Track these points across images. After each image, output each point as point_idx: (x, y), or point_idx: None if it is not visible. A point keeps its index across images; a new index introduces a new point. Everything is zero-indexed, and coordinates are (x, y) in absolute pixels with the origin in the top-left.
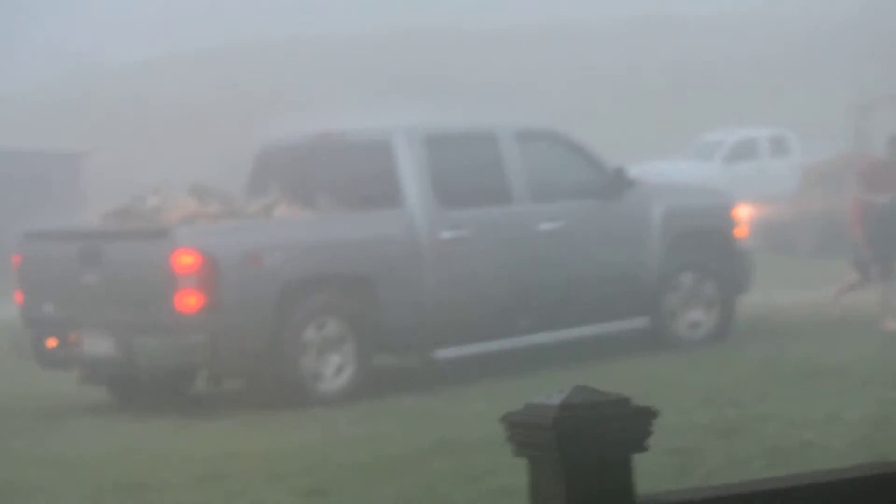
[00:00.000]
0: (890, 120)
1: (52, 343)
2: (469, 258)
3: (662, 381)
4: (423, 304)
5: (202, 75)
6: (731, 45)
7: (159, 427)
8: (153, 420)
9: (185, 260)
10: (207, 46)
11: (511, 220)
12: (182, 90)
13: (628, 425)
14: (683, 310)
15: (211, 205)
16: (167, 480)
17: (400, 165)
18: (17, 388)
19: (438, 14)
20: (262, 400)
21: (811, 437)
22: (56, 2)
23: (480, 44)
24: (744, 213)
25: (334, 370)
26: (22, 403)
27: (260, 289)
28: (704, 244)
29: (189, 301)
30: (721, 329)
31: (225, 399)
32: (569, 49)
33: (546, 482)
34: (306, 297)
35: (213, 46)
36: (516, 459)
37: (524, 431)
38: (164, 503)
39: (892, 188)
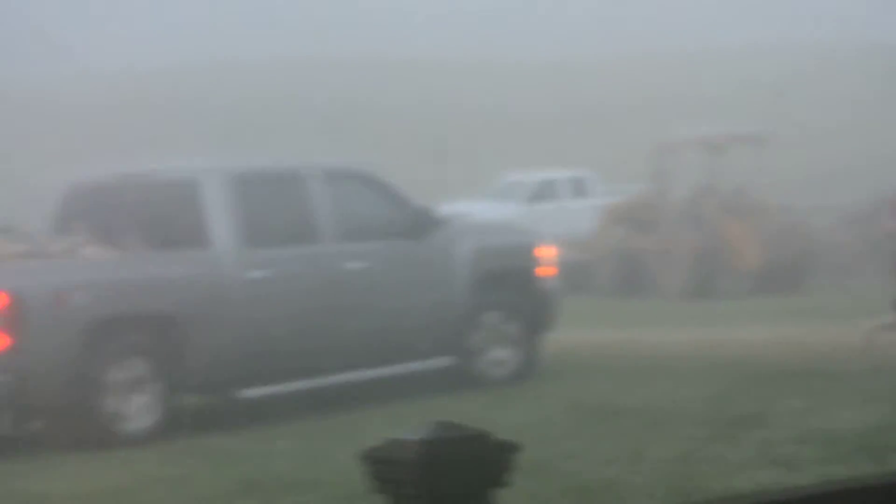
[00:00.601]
0: (688, 162)
1: None
2: (275, 298)
3: (468, 419)
4: (229, 343)
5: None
6: (536, 92)
7: None
8: None
9: None
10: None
11: (317, 259)
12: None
13: (489, 460)
14: (488, 348)
15: (17, 244)
16: None
17: (206, 205)
18: None
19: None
20: (68, 441)
21: (616, 474)
22: None
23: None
24: (549, 252)
25: (140, 410)
26: None
27: (66, 329)
28: (510, 283)
29: None
30: (526, 368)
31: (29, 441)
32: (374, 85)
33: None
34: (112, 336)
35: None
36: (319, 499)
37: (386, 468)
38: None
39: None
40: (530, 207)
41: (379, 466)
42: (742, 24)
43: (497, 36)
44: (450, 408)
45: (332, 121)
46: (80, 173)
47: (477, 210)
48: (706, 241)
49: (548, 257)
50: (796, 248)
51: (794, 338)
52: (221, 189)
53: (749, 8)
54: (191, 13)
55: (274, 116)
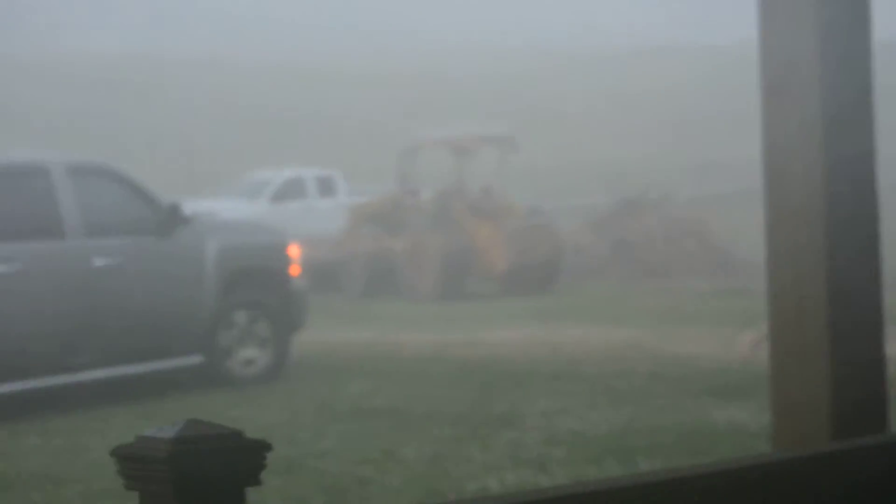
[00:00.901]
0: (431, 163)
1: None
2: (20, 293)
3: (217, 418)
4: None
5: None
6: (295, 90)
7: None
8: None
9: None
10: None
11: (64, 254)
12: None
13: (243, 458)
14: (237, 347)
15: None
16: None
17: None
18: None
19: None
20: None
21: (369, 473)
22: None
23: None
24: (296, 251)
25: None
26: None
27: None
28: (258, 282)
29: None
30: (275, 367)
31: None
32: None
33: None
34: None
35: None
36: (75, 494)
37: (136, 465)
38: None
39: None
40: (276, 206)
41: (129, 464)
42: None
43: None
44: (200, 406)
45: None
46: None
47: (222, 208)
48: (454, 243)
49: (295, 256)
50: (543, 249)
51: (543, 339)
52: None
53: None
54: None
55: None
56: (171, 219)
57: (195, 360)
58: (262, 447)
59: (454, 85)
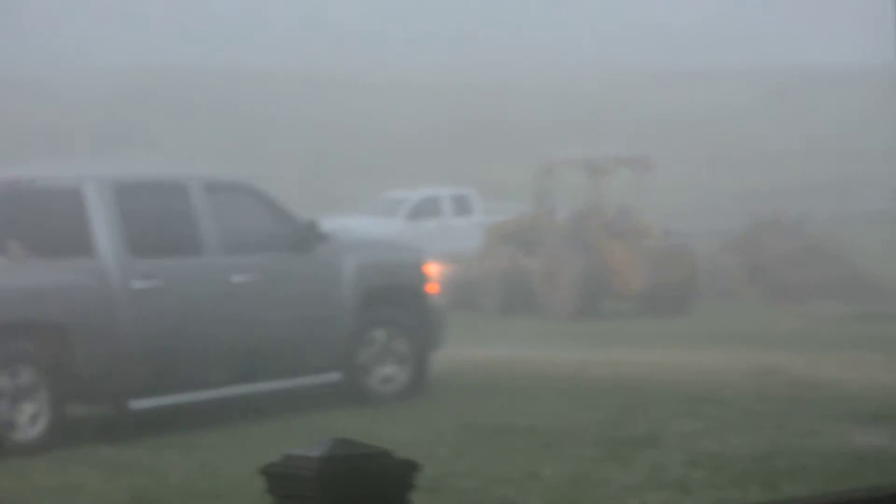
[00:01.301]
0: (566, 181)
1: None
2: (161, 309)
3: (357, 436)
4: (116, 353)
5: None
6: (414, 107)
7: None
8: None
9: None
10: None
11: (202, 271)
12: None
13: (391, 478)
14: (376, 365)
15: None
16: None
17: (91, 214)
18: None
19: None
20: None
21: (510, 493)
22: None
23: None
24: (434, 269)
25: (28, 419)
26: None
27: None
28: (397, 299)
29: None
30: (414, 385)
31: None
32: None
33: None
34: None
35: None
36: None
37: (284, 483)
38: None
39: None
40: (412, 224)
41: (277, 481)
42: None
43: (378, 51)
44: (338, 423)
45: (218, 131)
46: None
47: (359, 226)
48: (590, 263)
49: (432, 274)
50: (679, 271)
51: (680, 361)
52: (106, 198)
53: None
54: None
55: (159, 122)
56: (309, 236)
57: (333, 377)
58: (411, 467)
59: (587, 101)
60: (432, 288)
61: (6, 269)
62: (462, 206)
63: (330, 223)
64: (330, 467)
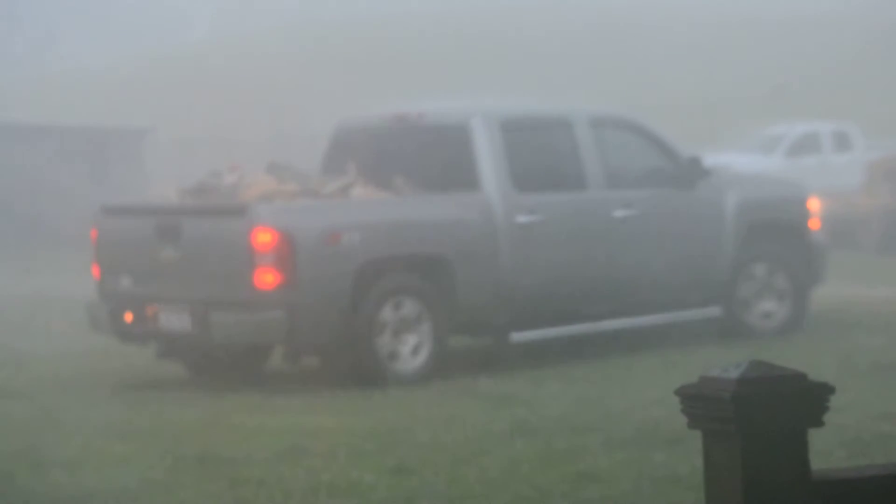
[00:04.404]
0: None
1: (128, 317)
2: (544, 243)
3: None
4: (498, 286)
5: (278, 53)
6: (802, 43)
7: (236, 402)
8: (229, 395)
9: (264, 238)
10: (283, 23)
11: (585, 206)
12: (256, 67)
13: (806, 400)
14: (756, 300)
15: (288, 183)
16: (249, 454)
17: (477, 149)
18: (94, 361)
19: None
20: (337, 378)
21: (889, 429)
22: None
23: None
24: (816, 205)
25: (410, 350)
26: (99, 376)
27: (337, 268)
28: (778, 235)
29: (266, 278)
30: (793, 321)
31: (299, 377)
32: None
33: (721, 454)
34: (383, 276)
35: (288, 23)
36: (597, 444)
37: (701, 404)
38: (248, 477)
39: None
40: (791, 160)
41: (693, 403)
42: None
43: None
44: (717, 358)
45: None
46: (349, 116)
47: (738, 162)
48: None
49: (814, 210)
50: None
51: None
52: (492, 134)
53: None
54: None
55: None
56: (692, 171)
57: (714, 311)
58: (826, 390)
59: None
60: (814, 224)
61: (393, 202)
62: (842, 142)
63: (711, 159)
64: (746, 389)
